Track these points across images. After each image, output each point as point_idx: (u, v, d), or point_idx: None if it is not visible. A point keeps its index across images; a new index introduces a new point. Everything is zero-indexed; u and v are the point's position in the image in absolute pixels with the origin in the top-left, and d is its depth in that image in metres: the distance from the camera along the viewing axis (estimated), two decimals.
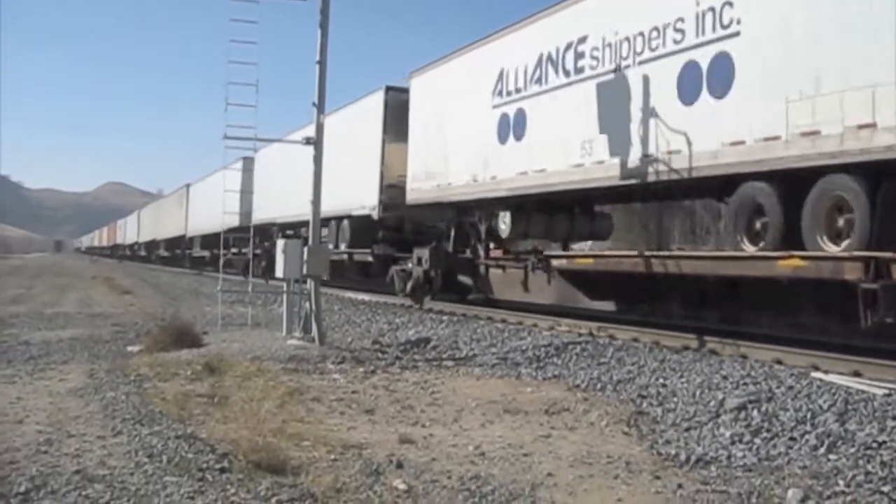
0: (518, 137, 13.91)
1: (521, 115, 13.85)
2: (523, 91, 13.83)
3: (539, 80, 13.40)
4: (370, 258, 20.45)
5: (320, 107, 12.02)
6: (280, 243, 12.77)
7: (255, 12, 11.93)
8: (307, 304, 11.89)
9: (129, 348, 11.47)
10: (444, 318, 14.49)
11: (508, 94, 14.29)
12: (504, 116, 14.32)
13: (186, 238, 44.52)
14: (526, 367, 9.67)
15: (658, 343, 10.40)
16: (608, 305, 14.12)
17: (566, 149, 12.52)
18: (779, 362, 8.67)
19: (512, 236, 14.69)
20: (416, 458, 5.75)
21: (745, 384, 7.55)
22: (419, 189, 17.40)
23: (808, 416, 6.45)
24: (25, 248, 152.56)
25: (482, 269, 16.15)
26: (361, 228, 20.99)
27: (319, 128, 12.03)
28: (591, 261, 13.35)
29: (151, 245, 61.63)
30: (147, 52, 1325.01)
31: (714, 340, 10.05)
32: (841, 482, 5.18)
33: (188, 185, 45.11)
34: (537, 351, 10.44)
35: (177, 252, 49.85)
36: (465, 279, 16.88)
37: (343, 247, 22.01)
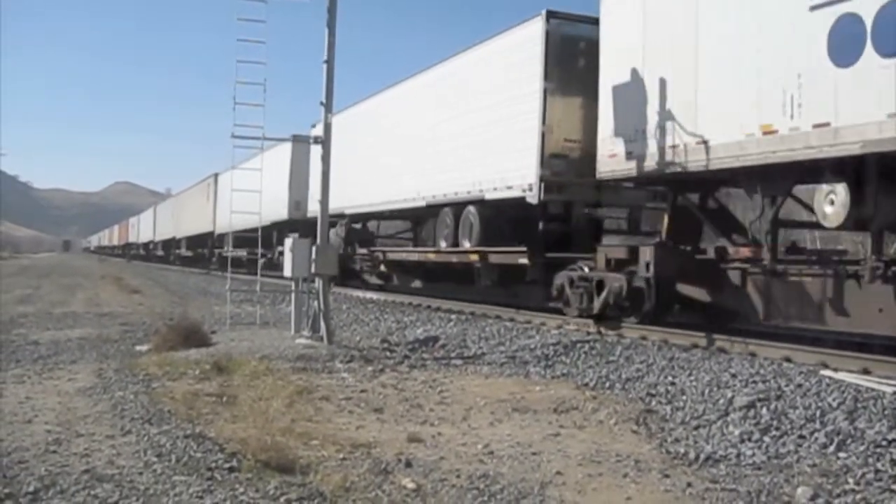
0: (888, 52, 8.03)
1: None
2: None
3: None
4: (525, 260, 13.81)
5: (328, 106, 12.04)
6: (288, 242, 12.77)
7: (263, 12, 11.93)
8: (315, 303, 11.90)
9: (138, 348, 11.51)
10: (453, 316, 14.46)
11: None
12: (845, 22, 8.54)
13: (215, 235, 38.06)
14: (534, 366, 9.66)
15: (666, 341, 10.34)
16: None
17: None
18: (788, 360, 8.62)
19: (843, 224, 9.21)
20: (425, 456, 5.76)
21: (753, 382, 7.52)
22: (627, 155, 11.49)
23: (818, 413, 6.43)
24: (34, 248, 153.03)
25: (735, 276, 10.60)
26: (500, 218, 15.14)
27: (327, 127, 12.06)
28: None
29: (170, 244, 55.52)
30: (154, 51, 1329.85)
31: (723, 338, 9.99)
32: (850, 480, 5.17)
33: (216, 175, 38.25)
34: (546, 349, 10.43)
35: (201, 251, 43.50)
36: (696, 292, 11.26)
37: (467, 244, 15.84)
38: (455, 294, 17.39)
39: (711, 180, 11.05)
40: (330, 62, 11.87)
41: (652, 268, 10.87)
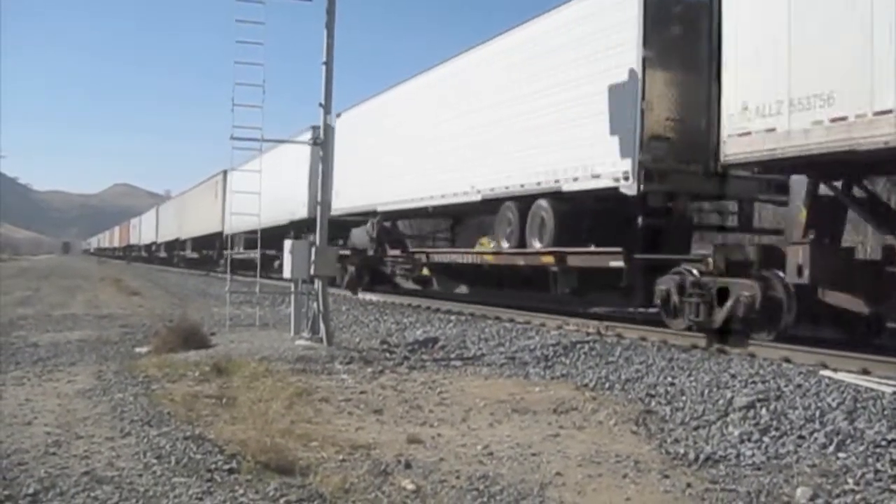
0: None
1: None
2: None
3: None
4: (618, 262, 11.45)
5: (327, 107, 12.03)
6: (287, 244, 12.77)
7: (262, 13, 11.91)
8: (315, 305, 11.90)
9: (138, 349, 11.50)
10: (452, 317, 14.45)
11: None
12: None
13: (224, 236, 34.11)
14: (534, 367, 9.66)
15: (666, 342, 10.34)
16: None
17: None
18: (787, 360, 8.62)
19: None
20: (425, 458, 5.76)
21: (753, 383, 7.53)
22: (765, 133, 8.99)
23: (817, 414, 6.43)
24: (33, 250, 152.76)
25: None
26: (579, 213, 12.97)
27: (327, 129, 12.06)
28: None
29: (173, 245, 53.19)
30: (154, 51, 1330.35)
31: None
32: (850, 480, 5.17)
33: (225, 172, 34.26)
34: (545, 350, 10.43)
35: (208, 253, 41.01)
36: (850, 301, 8.95)
37: (537, 244, 13.63)
38: (516, 301, 15.30)
39: (856, 164, 8.85)
40: (329, 63, 11.86)
41: (807, 272, 8.78)
